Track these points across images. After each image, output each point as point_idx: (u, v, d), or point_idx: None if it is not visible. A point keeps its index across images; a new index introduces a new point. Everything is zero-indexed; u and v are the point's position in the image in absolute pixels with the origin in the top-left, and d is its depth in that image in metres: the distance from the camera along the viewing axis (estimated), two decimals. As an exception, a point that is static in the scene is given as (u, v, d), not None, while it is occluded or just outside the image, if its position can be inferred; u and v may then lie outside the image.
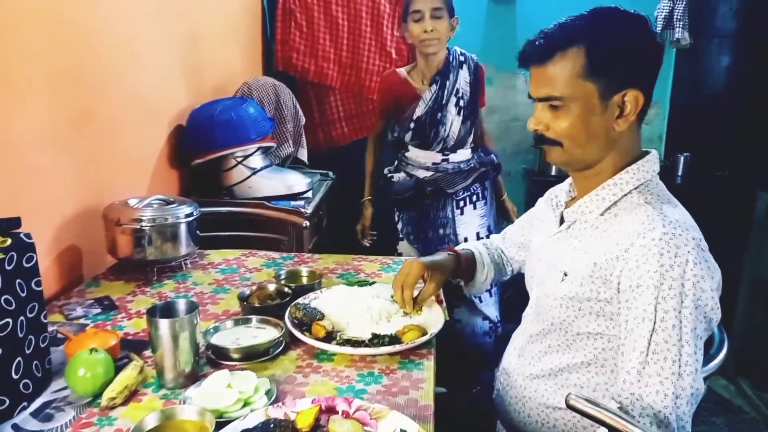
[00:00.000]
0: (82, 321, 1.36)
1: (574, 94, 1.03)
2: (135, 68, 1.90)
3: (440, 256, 1.44)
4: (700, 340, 0.95)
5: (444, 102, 2.28)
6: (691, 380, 0.93)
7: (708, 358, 1.09)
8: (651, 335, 0.95)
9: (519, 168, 3.29)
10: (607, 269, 1.03)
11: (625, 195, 1.07)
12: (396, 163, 2.44)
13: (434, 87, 2.28)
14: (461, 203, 2.37)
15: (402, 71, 2.37)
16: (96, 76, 1.67)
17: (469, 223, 2.38)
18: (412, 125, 2.29)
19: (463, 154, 2.36)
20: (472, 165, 2.37)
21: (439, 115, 2.28)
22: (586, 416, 0.92)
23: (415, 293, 1.35)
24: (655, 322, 0.94)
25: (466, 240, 2.33)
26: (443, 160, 2.33)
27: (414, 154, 2.35)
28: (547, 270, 1.18)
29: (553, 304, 1.13)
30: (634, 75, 1.03)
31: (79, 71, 1.59)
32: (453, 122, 2.29)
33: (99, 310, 1.41)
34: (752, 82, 2.95)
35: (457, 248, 1.50)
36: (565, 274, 1.10)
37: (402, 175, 2.39)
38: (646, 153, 1.11)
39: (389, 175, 2.44)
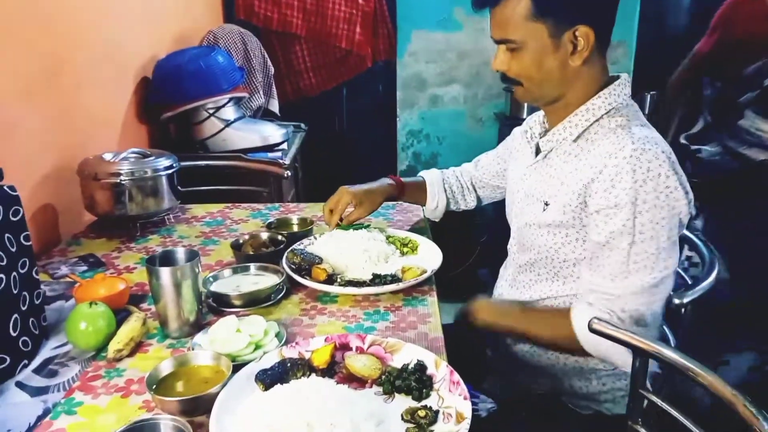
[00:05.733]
0: (68, 279, 1.31)
1: (524, 36, 1.05)
2: (102, 17, 1.80)
3: (375, 184, 1.46)
4: (675, 244, 1.03)
5: None
6: (664, 285, 1.03)
7: (700, 278, 1.14)
8: (630, 248, 1.01)
9: (490, 113, 3.29)
10: (586, 193, 1.05)
11: (597, 120, 1.09)
12: (701, 128, 1.80)
13: None
14: None
15: None
16: (66, 25, 1.57)
17: None
18: (766, 83, 1.61)
19: None
20: None
21: None
22: (609, 338, 0.95)
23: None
24: (633, 236, 1.00)
25: None
26: None
27: (754, 124, 1.64)
28: (526, 201, 1.20)
29: (538, 233, 1.16)
30: (581, 12, 1.04)
31: (49, 19, 1.50)
32: None
33: (85, 268, 1.36)
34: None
35: (419, 175, 1.54)
36: (546, 204, 1.13)
37: (718, 149, 1.74)
38: (616, 78, 1.12)
39: (693, 147, 1.78)
